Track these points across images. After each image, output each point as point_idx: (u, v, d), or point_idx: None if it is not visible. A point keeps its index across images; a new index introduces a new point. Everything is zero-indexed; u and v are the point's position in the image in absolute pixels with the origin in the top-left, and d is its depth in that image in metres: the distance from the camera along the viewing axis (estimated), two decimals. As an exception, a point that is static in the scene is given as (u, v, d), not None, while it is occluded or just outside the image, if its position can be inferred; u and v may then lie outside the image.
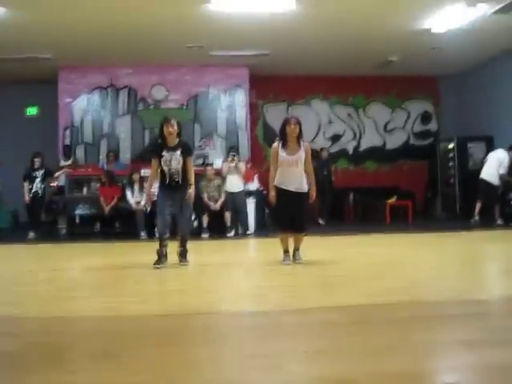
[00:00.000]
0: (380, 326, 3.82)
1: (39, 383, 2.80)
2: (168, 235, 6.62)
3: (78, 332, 3.91)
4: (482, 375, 2.81)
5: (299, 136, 6.51)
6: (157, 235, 7.35)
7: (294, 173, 6.48)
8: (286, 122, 6.56)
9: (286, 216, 6.51)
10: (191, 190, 6.54)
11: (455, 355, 3.18)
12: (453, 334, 3.57)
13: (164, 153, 6.44)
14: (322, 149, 13.21)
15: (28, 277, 6.44)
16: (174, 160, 6.40)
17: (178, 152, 6.45)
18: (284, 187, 6.49)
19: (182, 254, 6.70)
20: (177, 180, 6.46)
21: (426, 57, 12.75)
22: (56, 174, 11.74)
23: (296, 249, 6.68)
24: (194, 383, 2.80)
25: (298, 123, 6.51)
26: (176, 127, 6.50)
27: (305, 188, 6.56)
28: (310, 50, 12.16)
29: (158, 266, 6.38)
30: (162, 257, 6.48)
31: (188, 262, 6.71)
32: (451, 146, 13.96)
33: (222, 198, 10.95)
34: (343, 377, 2.79)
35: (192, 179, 6.60)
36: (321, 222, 12.36)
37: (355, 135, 15.29)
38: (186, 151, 6.60)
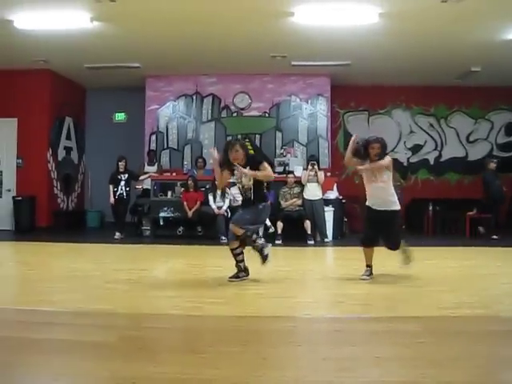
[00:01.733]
0: (449, 337, 3.95)
1: (134, 372, 3.11)
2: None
3: (166, 328, 4.24)
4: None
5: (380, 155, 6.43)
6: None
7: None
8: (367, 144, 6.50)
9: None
10: (247, 170, 6.25)
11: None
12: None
13: (235, 170, 6.35)
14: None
15: (117, 275, 6.82)
16: (244, 177, 6.31)
17: (247, 168, 6.26)
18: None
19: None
20: (249, 196, 6.35)
21: (510, 67, 12.53)
22: (141, 178, 12.25)
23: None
24: (270, 380, 3.03)
25: (379, 142, 6.48)
26: (241, 151, 6.31)
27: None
28: (391, 61, 12.18)
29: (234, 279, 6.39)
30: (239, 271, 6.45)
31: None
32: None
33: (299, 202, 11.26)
34: (410, 381, 2.98)
35: (262, 175, 6.32)
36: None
37: (436, 145, 15.14)
38: (255, 164, 6.35)
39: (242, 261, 6.40)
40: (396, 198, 6.53)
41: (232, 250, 6.34)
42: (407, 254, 6.66)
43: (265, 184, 6.58)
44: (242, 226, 6.22)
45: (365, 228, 6.71)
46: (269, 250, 6.39)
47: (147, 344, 3.80)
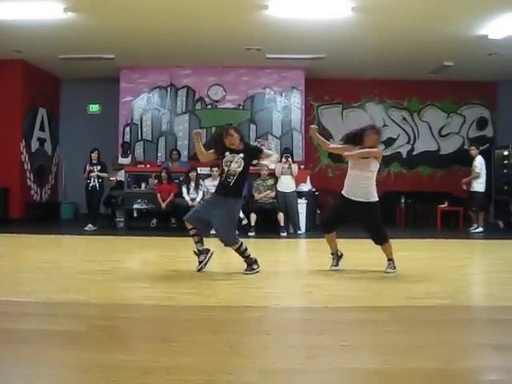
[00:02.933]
0: (416, 326, 4.06)
1: (105, 361, 3.16)
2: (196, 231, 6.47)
3: (138, 318, 4.29)
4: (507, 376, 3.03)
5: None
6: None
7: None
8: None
9: None
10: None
11: (483, 357, 3.41)
12: (483, 337, 3.80)
13: (227, 153, 6.39)
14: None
15: (90, 266, 6.82)
16: (234, 162, 6.34)
17: (241, 155, 6.33)
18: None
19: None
20: (229, 182, 6.35)
21: (483, 63, 12.71)
22: (111, 178, 12.42)
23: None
24: (239, 367, 3.10)
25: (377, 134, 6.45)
26: (236, 135, 6.35)
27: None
28: (365, 55, 12.31)
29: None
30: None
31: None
32: (506, 152, 13.87)
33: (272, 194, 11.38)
34: (374, 368, 3.07)
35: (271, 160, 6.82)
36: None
37: (409, 139, 15.32)
38: (256, 152, 6.57)
39: (199, 242, 6.45)
40: (375, 190, 6.38)
41: (189, 229, 6.42)
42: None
43: (247, 178, 6.65)
44: (236, 241, 6.33)
45: (327, 213, 6.74)
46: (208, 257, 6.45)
47: (118, 333, 3.84)
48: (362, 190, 6.30)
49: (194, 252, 6.46)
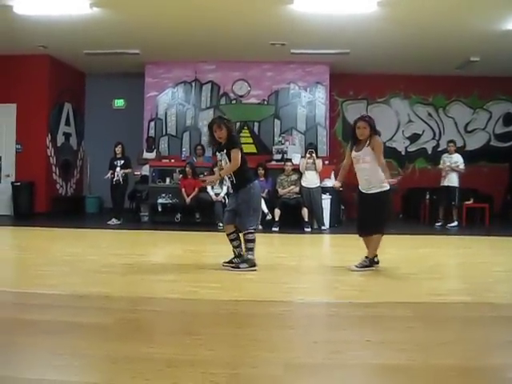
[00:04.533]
0: (440, 322, 4.04)
1: (130, 353, 3.19)
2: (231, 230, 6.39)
3: (163, 311, 4.33)
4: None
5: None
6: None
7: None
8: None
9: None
10: (213, 177, 6.44)
11: (507, 354, 3.37)
12: (507, 335, 3.77)
13: (217, 152, 6.37)
14: None
15: (114, 260, 6.91)
16: (223, 160, 6.29)
17: (225, 151, 6.22)
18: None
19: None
20: (231, 180, 6.32)
21: (510, 57, 12.54)
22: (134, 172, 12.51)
23: None
24: (261, 361, 3.12)
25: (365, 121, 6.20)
26: (225, 130, 6.15)
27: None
28: (390, 50, 12.22)
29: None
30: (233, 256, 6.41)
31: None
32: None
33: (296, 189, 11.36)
34: (398, 364, 3.06)
35: (225, 171, 6.26)
36: None
37: (435, 135, 15.19)
38: (229, 147, 6.18)
39: (239, 246, 6.38)
40: (381, 180, 6.12)
41: (228, 235, 6.38)
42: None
43: (245, 167, 6.32)
44: (249, 228, 6.19)
45: (357, 217, 6.57)
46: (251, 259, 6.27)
47: (143, 326, 3.88)
48: (365, 182, 6.22)
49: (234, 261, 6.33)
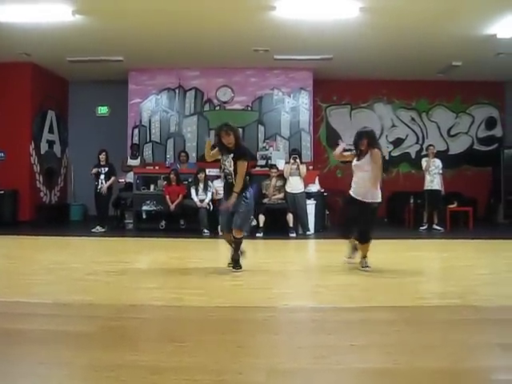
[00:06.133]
0: (425, 325, 4.05)
1: (114, 361, 3.17)
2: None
3: (147, 319, 4.31)
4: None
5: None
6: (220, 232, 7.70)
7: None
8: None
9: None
10: (233, 198, 6.43)
11: (492, 356, 3.39)
12: (491, 337, 3.78)
13: (224, 153, 6.58)
14: None
15: (99, 267, 6.85)
16: (227, 162, 6.51)
17: (232, 155, 6.47)
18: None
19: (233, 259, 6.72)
20: (230, 181, 6.55)
21: (492, 62, 12.65)
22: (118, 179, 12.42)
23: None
24: (246, 367, 3.11)
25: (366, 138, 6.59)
26: (232, 135, 6.45)
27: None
28: (373, 55, 12.28)
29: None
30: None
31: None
32: (516, 152, 13.82)
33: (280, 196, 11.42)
34: (383, 368, 3.07)
35: (237, 187, 6.46)
36: None
37: (418, 139, 15.28)
38: (237, 155, 6.47)
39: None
40: (377, 192, 6.52)
41: (237, 238, 6.58)
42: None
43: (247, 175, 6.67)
44: (244, 229, 6.62)
45: (344, 221, 6.92)
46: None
47: (127, 333, 3.86)
48: (363, 190, 6.52)
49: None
